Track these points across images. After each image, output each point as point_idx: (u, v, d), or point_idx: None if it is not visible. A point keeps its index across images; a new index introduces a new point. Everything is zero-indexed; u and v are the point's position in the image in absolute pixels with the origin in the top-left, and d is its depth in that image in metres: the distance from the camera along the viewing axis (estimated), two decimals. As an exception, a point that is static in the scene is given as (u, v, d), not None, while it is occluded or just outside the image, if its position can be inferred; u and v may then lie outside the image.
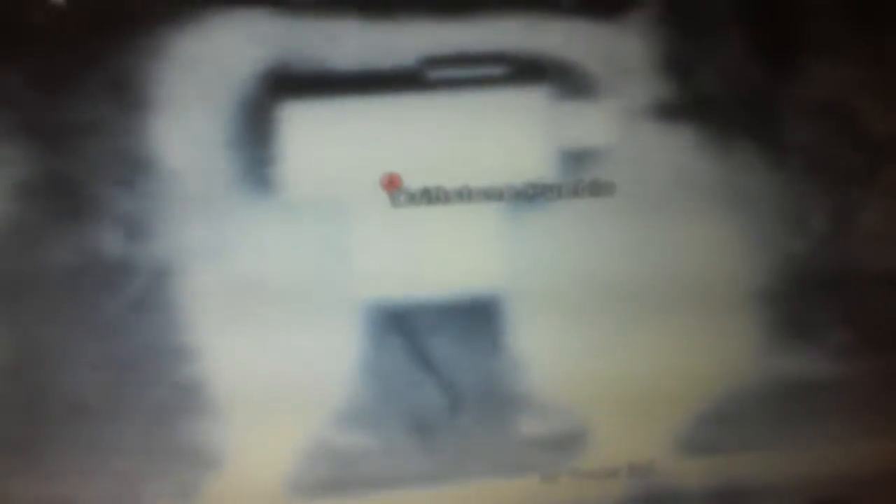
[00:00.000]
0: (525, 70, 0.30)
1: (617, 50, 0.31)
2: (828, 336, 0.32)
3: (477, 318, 0.31)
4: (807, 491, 0.33)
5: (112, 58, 0.29)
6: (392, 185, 0.30)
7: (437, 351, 0.31)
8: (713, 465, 0.32)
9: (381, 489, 0.31)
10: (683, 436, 0.32)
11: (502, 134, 0.30)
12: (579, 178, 0.31)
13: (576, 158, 0.31)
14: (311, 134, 0.30)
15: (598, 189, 0.31)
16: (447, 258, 0.31)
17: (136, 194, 0.29)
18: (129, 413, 0.30)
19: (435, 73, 0.30)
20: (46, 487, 0.29)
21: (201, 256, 0.29)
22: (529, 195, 0.31)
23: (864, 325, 0.33)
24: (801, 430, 0.33)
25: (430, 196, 0.30)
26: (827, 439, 0.33)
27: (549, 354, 0.31)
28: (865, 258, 0.32)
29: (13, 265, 0.29)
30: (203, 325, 0.29)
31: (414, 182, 0.30)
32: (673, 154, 0.31)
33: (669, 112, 0.31)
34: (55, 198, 0.29)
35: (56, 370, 0.29)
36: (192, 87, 0.29)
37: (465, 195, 0.30)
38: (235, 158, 0.29)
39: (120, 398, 0.29)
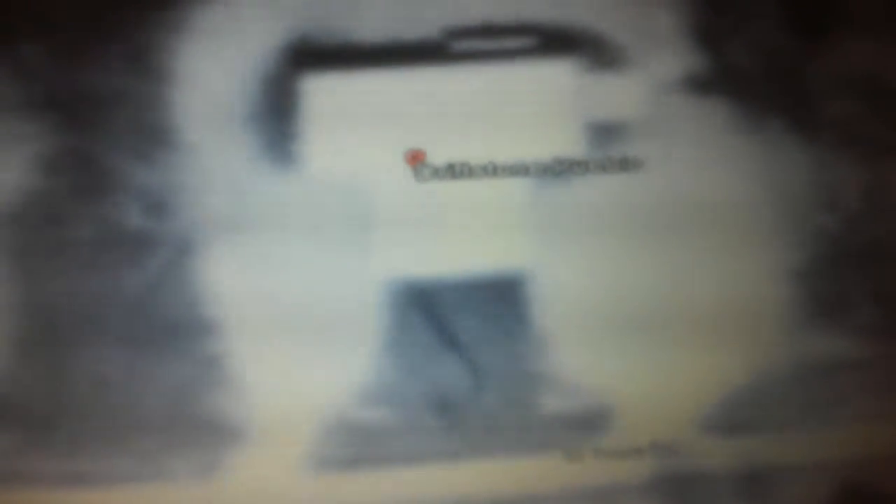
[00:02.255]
0: (552, 42, 0.30)
1: (647, 21, 0.30)
2: (858, 315, 0.32)
3: (501, 295, 0.31)
4: (834, 472, 0.33)
5: (133, 30, 0.28)
6: (416, 159, 0.30)
7: (460, 328, 0.30)
8: (739, 446, 0.32)
9: (403, 466, 0.31)
10: (709, 415, 0.32)
11: (529, 107, 0.30)
12: (608, 152, 0.30)
13: (604, 133, 0.30)
14: (334, 107, 0.29)
15: (627, 164, 0.30)
16: (471, 234, 0.30)
17: (157, 168, 0.29)
18: (151, 388, 0.29)
19: (460, 45, 0.30)
20: (67, 462, 0.29)
21: (223, 231, 0.29)
22: (556, 170, 0.30)
23: (895, 303, 0.32)
24: (829, 411, 0.32)
25: (455, 171, 0.30)
26: (855, 420, 0.32)
27: (575, 332, 0.31)
28: (898, 235, 0.32)
29: (34, 239, 0.29)
30: (224, 299, 0.29)
31: (438, 157, 0.30)
32: (704, 129, 0.31)
33: (700, 85, 0.30)
34: (76, 171, 0.29)
35: (77, 345, 0.29)
36: (214, 59, 0.29)
37: (490, 170, 0.30)
38: (257, 132, 0.29)
39: (141, 373, 0.29)
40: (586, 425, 0.31)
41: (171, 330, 0.29)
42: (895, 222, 0.32)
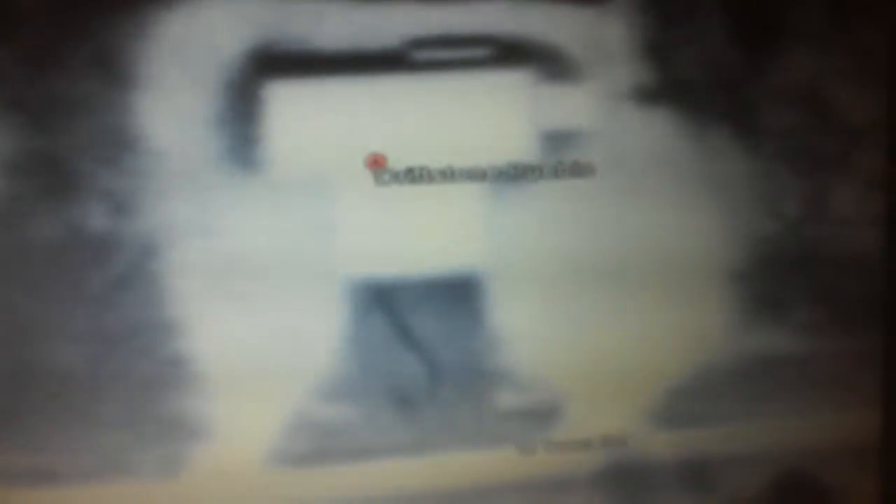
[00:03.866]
0: (508, 53, 0.31)
1: (599, 34, 0.31)
2: (797, 315, 0.33)
3: (458, 295, 0.31)
4: (774, 463, 0.34)
5: (98, 34, 0.29)
6: (377, 164, 0.30)
7: (418, 327, 0.31)
8: (685, 438, 0.33)
9: (363, 460, 0.32)
10: (656, 409, 0.33)
11: (486, 115, 0.31)
12: (560, 159, 0.31)
13: (557, 140, 0.31)
14: (297, 113, 0.30)
15: (579, 170, 0.31)
16: (430, 236, 0.31)
17: (121, 171, 0.29)
18: (114, 386, 0.30)
19: (420, 55, 0.30)
20: (30, 460, 0.30)
21: (186, 233, 0.30)
22: (511, 175, 0.31)
23: (832, 304, 0.34)
24: (770, 405, 0.34)
25: (414, 176, 0.31)
26: (794, 413, 0.34)
27: (527, 330, 0.32)
28: (835, 241, 0.33)
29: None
30: (188, 300, 0.30)
31: (398, 162, 0.30)
32: (652, 137, 0.32)
33: (649, 96, 0.31)
34: (40, 174, 0.29)
35: (41, 344, 0.29)
36: (179, 64, 0.29)
37: (448, 175, 0.31)
38: (221, 136, 0.29)
39: (105, 372, 0.30)
40: (538, 419, 0.32)
41: (135, 329, 0.30)
42: (832, 228, 0.33)
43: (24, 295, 0.29)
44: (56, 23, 0.28)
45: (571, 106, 0.31)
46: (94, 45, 0.28)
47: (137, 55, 0.29)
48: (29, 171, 0.29)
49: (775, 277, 0.33)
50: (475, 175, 0.31)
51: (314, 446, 0.31)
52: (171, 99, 0.29)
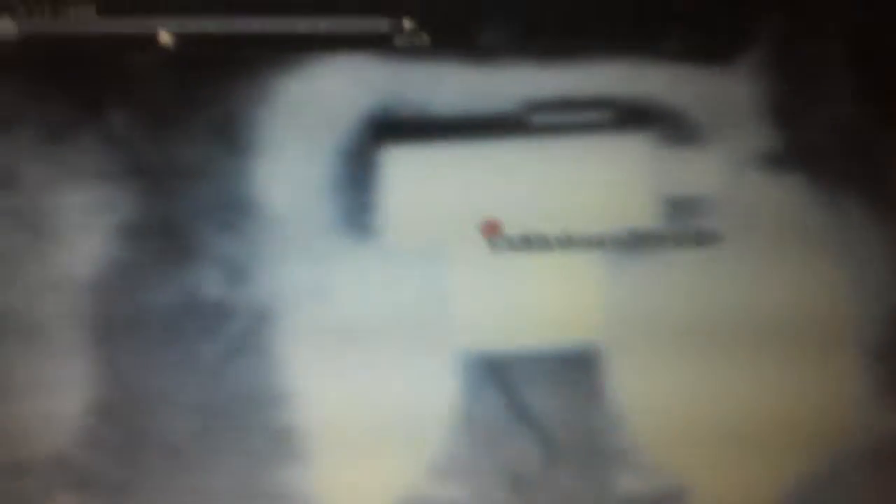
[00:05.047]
0: (629, 116, 0.30)
1: (723, 96, 0.30)
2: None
3: (575, 369, 0.30)
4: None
5: (217, 101, 0.29)
6: (492, 230, 0.30)
7: (533, 402, 0.30)
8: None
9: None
10: (786, 496, 0.31)
11: (605, 180, 0.30)
12: (683, 227, 0.30)
13: (680, 207, 0.30)
14: (413, 179, 0.29)
15: (703, 239, 0.30)
16: (546, 306, 0.30)
17: (237, 237, 0.29)
18: (223, 458, 0.29)
19: (538, 118, 0.30)
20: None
21: (300, 300, 0.29)
22: (632, 244, 0.30)
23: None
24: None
25: (531, 242, 0.30)
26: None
27: (649, 408, 0.30)
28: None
29: (115, 306, 0.29)
30: (300, 369, 0.29)
31: (514, 228, 0.30)
32: (779, 204, 0.30)
33: (776, 160, 0.30)
34: (158, 239, 0.29)
35: (153, 413, 0.29)
36: (296, 131, 0.29)
37: (565, 242, 0.30)
38: (337, 203, 0.29)
39: (214, 443, 0.29)
40: (662, 504, 0.31)
41: (246, 400, 0.29)
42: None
43: (137, 362, 0.29)
44: (176, 88, 0.29)
45: (695, 171, 0.30)
46: (213, 110, 0.29)
47: (255, 121, 0.29)
48: (145, 236, 0.29)
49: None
50: (593, 243, 0.30)
51: (424, 528, 0.30)
52: (287, 165, 0.29)
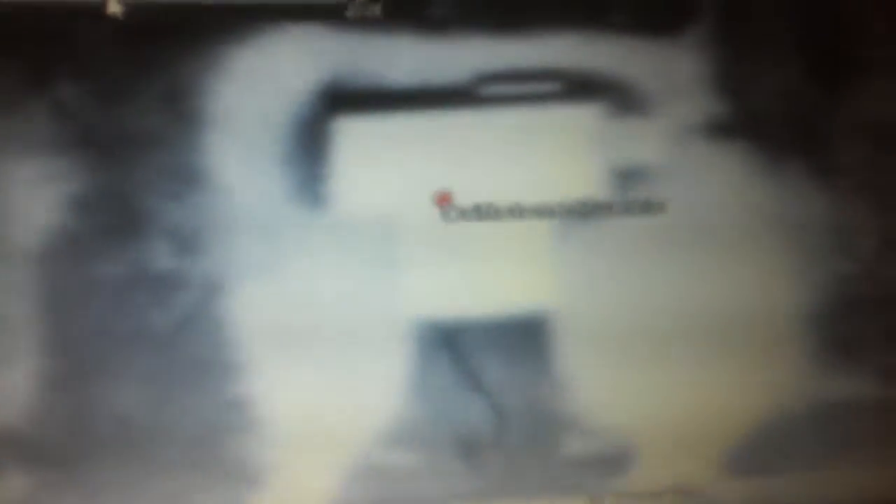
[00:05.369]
0: (578, 87, 0.30)
1: (670, 67, 0.31)
2: (874, 358, 0.32)
3: (526, 337, 0.31)
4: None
5: (168, 71, 0.29)
6: (444, 201, 0.30)
7: (485, 370, 0.30)
8: (758, 488, 0.32)
9: (426, 508, 0.31)
10: (730, 458, 0.32)
11: (554, 151, 0.30)
12: (632, 195, 0.31)
13: (628, 176, 0.31)
14: (364, 150, 0.30)
15: (650, 207, 0.31)
16: (497, 275, 0.30)
17: (188, 208, 0.29)
18: (175, 429, 0.29)
19: (489, 90, 0.30)
20: (90, 502, 0.29)
21: (252, 272, 0.29)
22: (581, 213, 0.30)
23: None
24: (847, 453, 0.32)
25: (482, 212, 0.30)
26: (872, 461, 0.32)
27: (597, 374, 0.31)
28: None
29: (64, 277, 0.29)
30: (252, 341, 0.29)
31: (465, 198, 0.30)
32: (724, 173, 0.31)
33: (722, 131, 0.31)
34: (107, 211, 0.29)
35: (103, 385, 0.29)
36: (247, 101, 0.29)
37: (516, 212, 0.30)
38: (289, 174, 0.29)
39: (166, 414, 0.29)
40: (608, 468, 0.31)
41: (198, 371, 0.29)
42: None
43: (87, 333, 0.29)
44: (126, 59, 0.28)
45: (642, 141, 0.31)
46: (164, 81, 0.29)
47: (206, 92, 0.29)
48: (95, 207, 0.28)
49: (851, 319, 0.32)
50: (544, 212, 0.30)
51: (376, 494, 0.30)
52: (238, 136, 0.29)
